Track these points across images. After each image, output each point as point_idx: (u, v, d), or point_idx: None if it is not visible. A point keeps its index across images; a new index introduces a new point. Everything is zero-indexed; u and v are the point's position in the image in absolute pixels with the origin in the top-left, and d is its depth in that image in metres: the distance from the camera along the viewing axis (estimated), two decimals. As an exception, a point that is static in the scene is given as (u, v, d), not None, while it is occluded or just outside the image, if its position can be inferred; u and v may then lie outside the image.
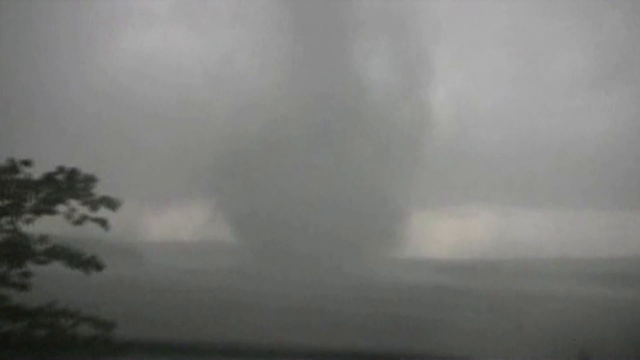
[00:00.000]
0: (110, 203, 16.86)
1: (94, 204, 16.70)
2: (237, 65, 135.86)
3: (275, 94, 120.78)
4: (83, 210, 16.71)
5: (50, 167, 17.22)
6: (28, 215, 16.38)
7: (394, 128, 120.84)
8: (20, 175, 16.74)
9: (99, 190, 17.10)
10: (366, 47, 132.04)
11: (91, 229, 16.98)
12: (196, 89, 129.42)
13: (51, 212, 16.55)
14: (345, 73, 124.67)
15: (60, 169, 17.05)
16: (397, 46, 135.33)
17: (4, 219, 16.21)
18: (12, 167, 16.67)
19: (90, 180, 17.01)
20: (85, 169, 17.24)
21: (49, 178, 16.81)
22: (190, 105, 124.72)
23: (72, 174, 17.01)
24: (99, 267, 16.69)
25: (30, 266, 16.36)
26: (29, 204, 16.49)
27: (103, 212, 17.01)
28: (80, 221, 16.50)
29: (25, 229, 16.36)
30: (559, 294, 78.41)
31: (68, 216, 16.52)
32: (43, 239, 16.35)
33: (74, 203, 16.85)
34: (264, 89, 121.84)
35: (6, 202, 16.32)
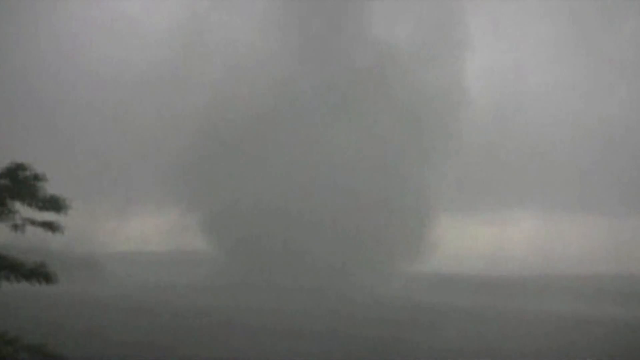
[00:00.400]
0: (56, 204, 16.51)
1: (41, 206, 16.40)
2: (213, 27, 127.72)
3: (264, 59, 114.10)
4: (27, 213, 16.40)
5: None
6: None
7: (418, 109, 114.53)
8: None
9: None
10: (388, 5, 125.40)
11: (44, 238, 17.01)
12: (163, 58, 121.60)
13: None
14: (359, 34, 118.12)
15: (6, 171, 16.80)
16: (426, 7, 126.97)
17: None
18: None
19: (38, 179, 16.59)
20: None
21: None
22: (155, 81, 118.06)
23: (16, 169, 16.73)
24: (49, 278, 16.18)
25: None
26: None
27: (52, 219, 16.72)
28: (20, 225, 16.20)
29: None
30: (611, 316, 77.38)
31: (6, 217, 16.19)
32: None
33: (17, 205, 16.49)
34: (246, 55, 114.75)
35: None
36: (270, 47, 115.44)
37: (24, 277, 16.16)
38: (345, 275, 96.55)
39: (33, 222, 16.51)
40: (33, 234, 16.73)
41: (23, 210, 16.65)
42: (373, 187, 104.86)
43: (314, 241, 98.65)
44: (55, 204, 16.55)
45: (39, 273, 16.18)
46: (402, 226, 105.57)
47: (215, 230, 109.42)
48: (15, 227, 16.35)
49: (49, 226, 16.63)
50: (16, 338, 15.46)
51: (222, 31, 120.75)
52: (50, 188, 16.73)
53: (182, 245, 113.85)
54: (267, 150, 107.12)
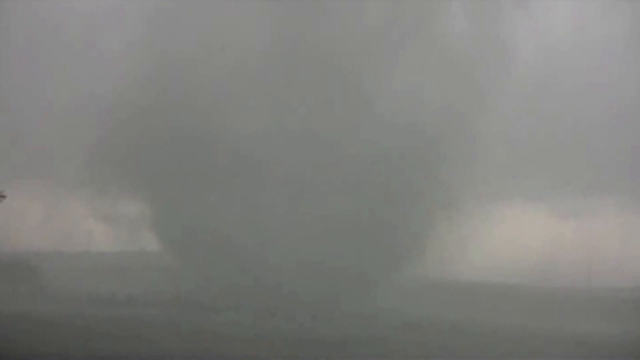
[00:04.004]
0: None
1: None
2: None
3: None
4: None
5: None
6: None
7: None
8: None
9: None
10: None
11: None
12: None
13: None
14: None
15: None
16: None
17: None
18: None
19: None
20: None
21: None
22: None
23: None
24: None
25: None
26: None
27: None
28: None
29: None
30: None
31: None
32: None
33: None
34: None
35: None
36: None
37: None
38: (348, 291, 79.05)
39: None
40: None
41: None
42: (383, 166, 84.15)
43: (293, 246, 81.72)
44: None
45: None
46: (430, 217, 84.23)
47: (177, 228, 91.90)
48: None
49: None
50: None
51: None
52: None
53: (134, 247, 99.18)
54: (252, 115, 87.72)
